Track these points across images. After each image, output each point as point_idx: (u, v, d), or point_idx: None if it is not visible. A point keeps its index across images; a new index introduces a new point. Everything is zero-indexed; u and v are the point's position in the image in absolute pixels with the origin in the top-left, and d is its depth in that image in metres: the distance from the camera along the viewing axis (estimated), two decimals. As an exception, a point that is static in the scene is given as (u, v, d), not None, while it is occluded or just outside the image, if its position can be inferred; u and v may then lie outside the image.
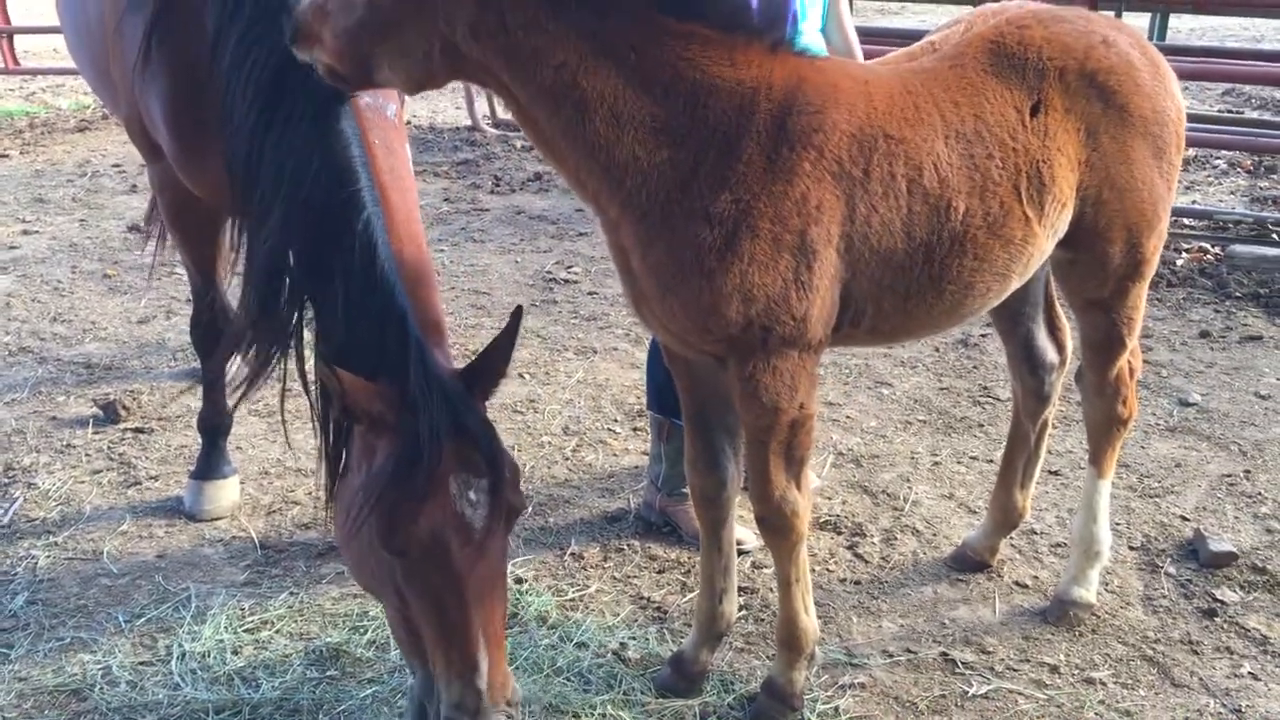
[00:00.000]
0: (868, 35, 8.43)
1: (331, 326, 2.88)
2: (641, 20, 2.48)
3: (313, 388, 2.99)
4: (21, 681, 3.28)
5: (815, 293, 2.64)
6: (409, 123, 10.57)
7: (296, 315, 2.97)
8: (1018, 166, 2.79)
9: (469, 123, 10.86)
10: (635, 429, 4.83)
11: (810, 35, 3.55)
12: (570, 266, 6.92)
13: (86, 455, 4.64)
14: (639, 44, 2.48)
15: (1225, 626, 3.54)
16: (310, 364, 2.98)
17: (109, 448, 4.70)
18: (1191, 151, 9.08)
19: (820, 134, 2.59)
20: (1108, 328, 3.23)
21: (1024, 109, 2.80)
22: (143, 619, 3.57)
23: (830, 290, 2.68)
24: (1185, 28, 16.32)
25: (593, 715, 3.10)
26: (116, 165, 9.43)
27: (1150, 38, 10.19)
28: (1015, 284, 2.98)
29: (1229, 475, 4.44)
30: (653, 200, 2.55)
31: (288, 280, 2.91)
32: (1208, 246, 6.98)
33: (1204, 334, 5.80)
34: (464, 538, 2.62)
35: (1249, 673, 3.32)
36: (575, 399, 5.14)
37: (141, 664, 3.36)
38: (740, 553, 3.78)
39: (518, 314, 2.82)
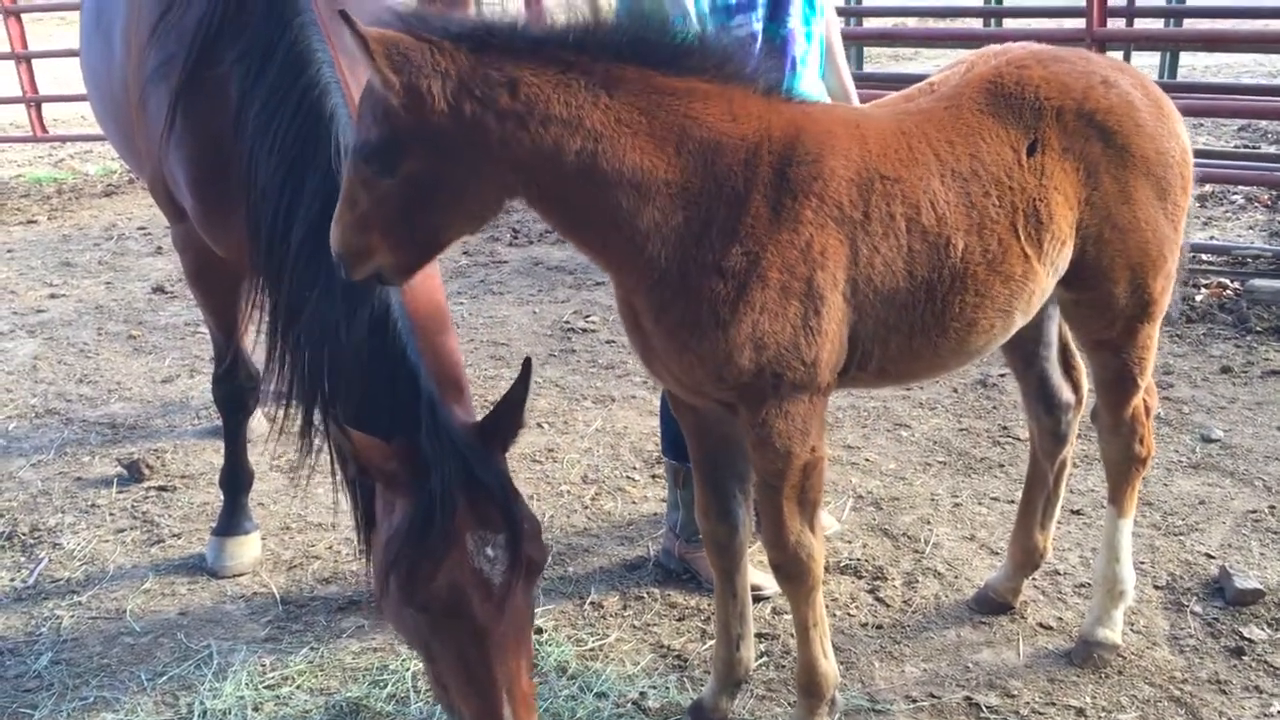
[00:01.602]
0: (881, 82, 8.53)
1: (347, 385, 2.92)
2: (643, 84, 2.52)
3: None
4: (45, 742, 3.30)
5: (824, 337, 2.66)
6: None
7: (325, 379, 3.01)
8: (1014, 204, 2.81)
9: (487, 177, 10.97)
10: (654, 476, 4.83)
11: (810, 82, 3.59)
12: (588, 316, 6.97)
13: (111, 515, 4.69)
14: (646, 109, 2.51)
15: (1254, 665, 3.48)
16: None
17: (133, 507, 4.75)
18: (1209, 187, 9.05)
19: (820, 181, 2.63)
20: (1118, 368, 3.21)
21: (1020, 148, 2.82)
22: (165, 677, 3.59)
23: (838, 334, 2.70)
24: (1201, 65, 16.35)
25: (613, 766, 3.09)
26: (142, 228, 9.59)
27: (1161, 76, 10.24)
28: (1019, 321, 2.98)
29: (1254, 511, 4.39)
30: (670, 261, 2.59)
31: (326, 350, 2.95)
32: (1227, 282, 6.94)
33: (1225, 369, 5.76)
34: (484, 593, 2.64)
35: (1278, 712, 3.27)
36: (594, 447, 5.16)
37: (163, 722, 3.38)
38: (759, 598, 3.77)
39: (528, 365, 2.85)
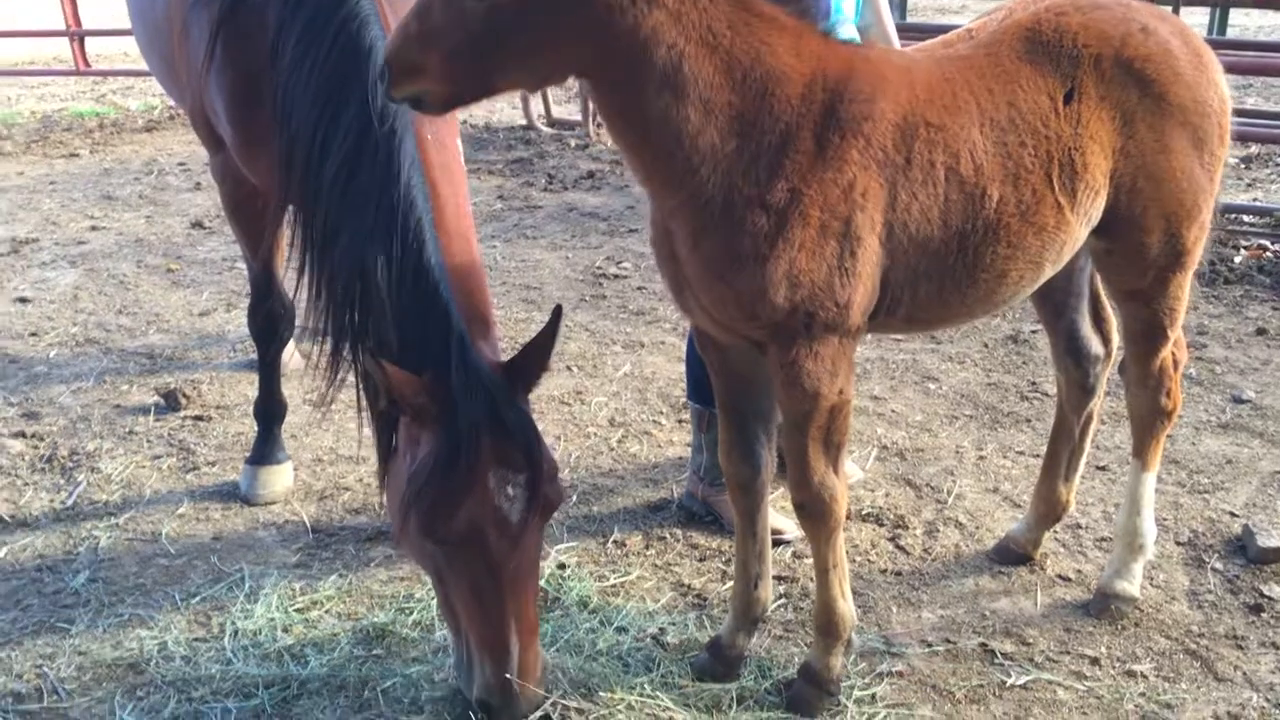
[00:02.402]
0: (924, 33, 8.41)
1: (380, 319, 2.97)
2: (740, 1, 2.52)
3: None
4: (82, 655, 3.40)
5: (858, 279, 2.67)
6: (465, 121, 10.71)
7: (357, 313, 3.05)
8: (1050, 154, 2.80)
9: (524, 122, 10.98)
10: (680, 421, 4.87)
11: (845, 28, 3.57)
12: (620, 262, 6.98)
13: (148, 441, 4.78)
14: (734, 24, 2.51)
15: (1272, 622, 3.50)
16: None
17: (169, 434, 4.85)
18: (1255, 148, 8.92)
19: (869, 122, 2.63)
20: (1148, 318, 3.21)
21: (1057, 96, 2.81)
22: (198, 598, 3.68)
23: (872, 276, 2.71)
24: (1254, 25, 16.01)
25: (631, 696, 3.14)
26: (182, 164, 9.68)
27: (1210, 33, 10.04)
28: (1049, 271, 2.98)
29: (1281, 472, 4.39)
30: (717, 188, 2.59)
31: (359, 283, 2.99)
32: (1267, 244, 6.86)
33: (1260, 331, 5.71)
34: (501, 530, 2.73)
35: (1294, 668, 3.29)
36: (622, 391, 5.20)
37: (196, 640, 3.47)
38: (780, 542, 3.82)
39: (558, 312, 2.89)
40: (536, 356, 2.90)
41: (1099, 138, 2.84)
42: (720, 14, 2.49)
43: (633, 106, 2.53)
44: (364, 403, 3.12)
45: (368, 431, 3.17)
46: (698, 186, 2.59)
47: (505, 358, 2.99)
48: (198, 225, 7.93)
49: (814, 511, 2.92)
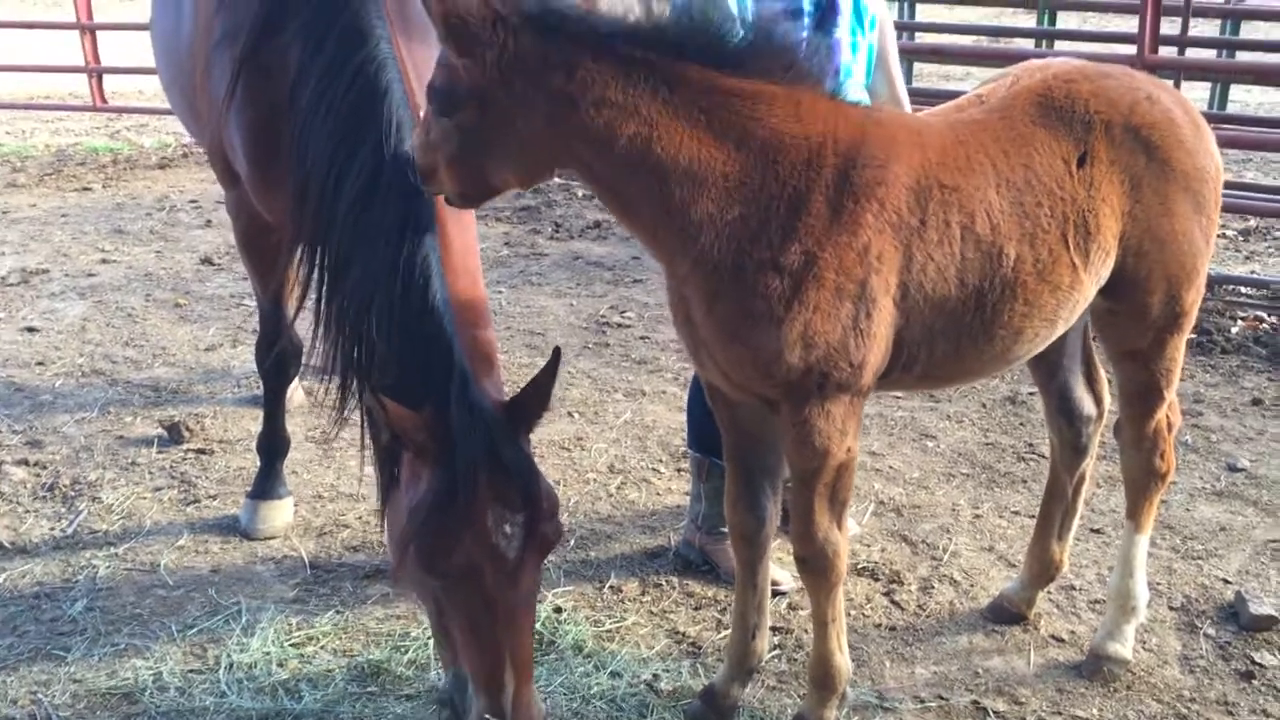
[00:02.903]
0: (931, 98, 8.55)
1: (384, 355, 3.02)
2: (707, 84, 2.58)
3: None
4: (77, 683, 3.42)
5: (873, 339, 2.72)
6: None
7: (363, 348, 3.10)
8: (1065, 215, 2.87)
9: (533, 171, 11.07)
10: (679, 469, 4.91)
11: (854, 91, 3.65)
12: (624, 311, 7.04)
13: (149, 473, 4.81)
14: (707, 107, 2.58)
15: (1263, 689, 3.51)
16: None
17: (171, 467, 4.88)
18: (1253, 221, 9.01)
19: (883, 186, 2.69)
20: (1146, 379, 3.26)
21: (1071, 160, 2.89)
22: (194, 629, 3.70)
23: (886, 337, 2.76)
24: (1255, 101, 16.21)
25: (623, 742, 3.16)
26: (193, 201, 9.76)
27: (1210, 107, 10.18)
28: (1060, 329, 3.04)
29: (1274, 541, 4.40)
30: (724, 254, 2.64)
31: (366, 321, 3.04)
32: (1264, 315, 6.93)
33: (1256, 401, 5.76)
34: (499, 566, 2.77)
35: (1285, 736, 3.30)
36: (622, 439, 5.23)
37: (191, 672, 3.49)
38: (777, 594, 3.84)
39: (557, 353, 2.95)
40: (537, 396, 2.94)
41: (1110, 200, 2.92)
42: (685, 100, 2.56)
43: (617, 188, 2.65)
44: (367, 439, 3.17)
45: (369, 469, 3.21)
46: (701, 253, 2.64)
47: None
48: (207, 261, 8.00)
49: (816, 566, 2.95)
